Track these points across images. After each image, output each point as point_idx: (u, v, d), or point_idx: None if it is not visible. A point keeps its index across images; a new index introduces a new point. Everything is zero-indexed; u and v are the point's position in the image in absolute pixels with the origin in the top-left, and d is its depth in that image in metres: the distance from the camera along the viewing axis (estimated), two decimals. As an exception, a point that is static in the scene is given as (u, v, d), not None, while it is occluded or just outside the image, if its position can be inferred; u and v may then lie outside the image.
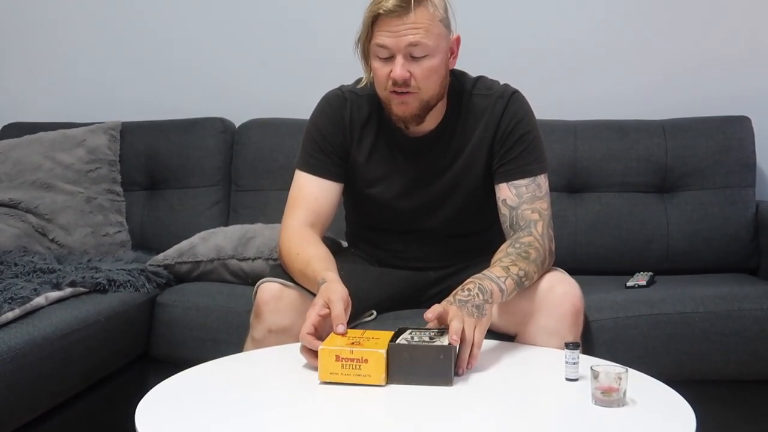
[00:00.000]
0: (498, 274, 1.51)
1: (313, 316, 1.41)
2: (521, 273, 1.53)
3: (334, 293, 1.45)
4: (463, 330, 1.36)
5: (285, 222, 1.73)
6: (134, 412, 1.22)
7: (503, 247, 1.62)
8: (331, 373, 1.32)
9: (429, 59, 1.61)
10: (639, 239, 2.36)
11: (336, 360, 1.32)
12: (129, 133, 2.61)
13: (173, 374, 1.40)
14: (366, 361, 1.31)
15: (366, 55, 1.66)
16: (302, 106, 2.34)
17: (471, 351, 1.37)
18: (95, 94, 2.81)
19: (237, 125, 2.64)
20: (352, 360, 1.31)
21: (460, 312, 1.40)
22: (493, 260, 1.58)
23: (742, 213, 2.34)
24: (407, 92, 1.62)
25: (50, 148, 2.49)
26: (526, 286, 1.56)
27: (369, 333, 1.41)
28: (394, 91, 1.62)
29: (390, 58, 1.60)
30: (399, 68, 1.59)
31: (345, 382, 1.31)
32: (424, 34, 1.58)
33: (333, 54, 2.65)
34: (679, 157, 2.38)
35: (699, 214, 2.35)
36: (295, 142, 2.44)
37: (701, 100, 2.54)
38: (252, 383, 1.39)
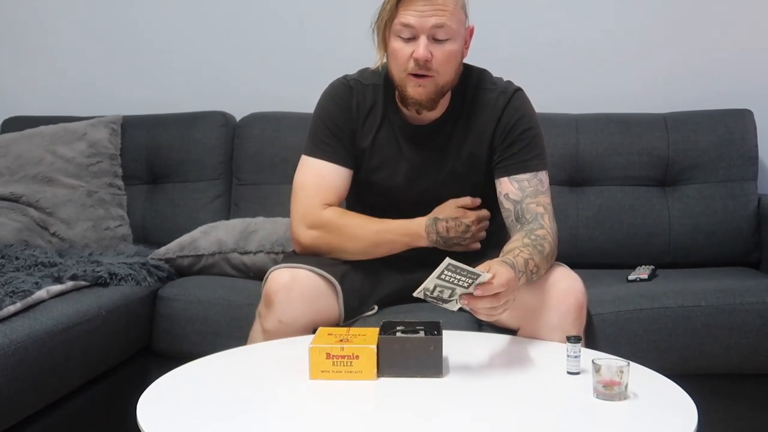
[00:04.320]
0: (521, 268, 1.49)
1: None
2: (534, 269, 1.54)
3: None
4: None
5: (310, 203, 1.72)
6: (136, 406, 1.22)
7: (518, 236, 1.61)
8: (322, 371, 1.32)
9: (450, 43, 1.62)
10: (640, 233, 2.35)
11: (327, 357, 1.32)
12: (130, 126, 2.61)
13: (175, 368, 1.41)
14: (357, 357, 1.31)
15: (384, 36, 1.66)
16: (303, 100, 2.34)
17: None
18: (96, 87, 2.81)
19: (238, 119, 2.64)
20: (343, 357, 1.32)
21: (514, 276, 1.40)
22: (509, 248, 1.57)
23: (744, 206, 2.34)
24: (425, 75, 1.62)
25: (51, 142, 2.49)
26: (533, 281, 1.56)
27: (354, 330, 1.41)
28: (412, 74, 1.62)
29: (412, 39, 1.61)
30: (422, 48, 1.59)
31: (336, 379, 1.32)
32: (449, 18, 1.60)
33: (333, 48, 2.67)
34: (681, 151, 2.38)
35: (701, 207, 2.35)
36: (296, 135, 2.45)
37: (703, 94, 2.54)
38: (252, 377, 1.39)
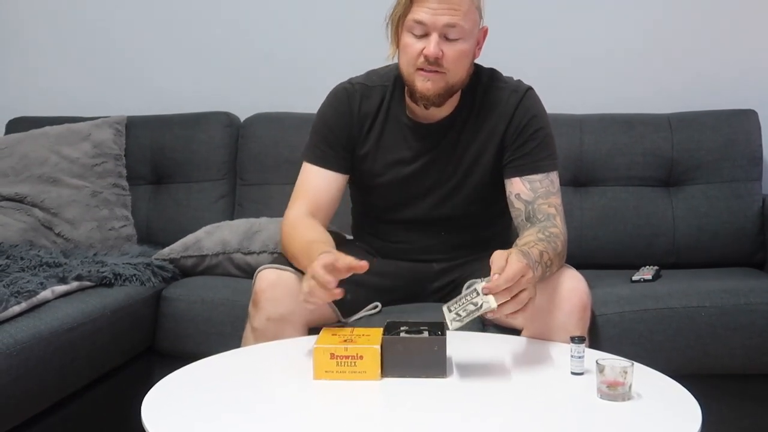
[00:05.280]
0: (536, 259, 1.47)
1: (323, 262, 1.38)
2: (548, 262, 1.53)
3: (338, 255, 1.42)
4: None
5: (287, 212, 1.74)
6: (140, 406, 1.22)
7: (531, 231, 1.59)
8: (326, 371, 1.32)
9: (462, 43, 1.62)
10: (645, 233, 2.35)
11: (331, 358, 1.32)
12: (134, 127, 2.61)
13: (179, 368, 1.41)
14: (361, 357, 1.32)
15: (397, 31, 1.66)
16: (307, 101, 2.34)
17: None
18: (100, 88, 2.82)
19: (242, 119, 2.64)
20: (347, 357, 1.32)
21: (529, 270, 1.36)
22: (523, 242, 1.55)
23: (748, 207, 2.34)
24: (435, 71, 1.62)
25: (56, 143, 2.50)
26: (545, 278, 1.54)
27: (358, 330, 1.41)
28: (422, 69, 1.63)
29: (424, 36, 1.61)
30: (433, 46, 1.59)
31: (340, 379, 1.32)
32: (462, 17, 1.60)
33: (338, 49, 2.67)
34: (685, 151, 2.37)
35: (705, 208, 2.35)
36: (300, 136, 2.44)
37: (707, 94, 2.54)
38: (256, 377, 1.39)
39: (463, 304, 1.35)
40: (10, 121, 2.71)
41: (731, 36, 2.56)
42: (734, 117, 2.41)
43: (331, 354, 1.32)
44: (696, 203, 2.35)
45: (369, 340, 1.35)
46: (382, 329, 1.40)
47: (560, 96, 2.47)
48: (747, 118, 2.40)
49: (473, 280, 1.37)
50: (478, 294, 1.33)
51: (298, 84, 2.69)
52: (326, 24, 2.70)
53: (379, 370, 1.33)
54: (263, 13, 2.74)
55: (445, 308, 1.37)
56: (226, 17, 2.76)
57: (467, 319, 1.33)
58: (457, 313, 1.35)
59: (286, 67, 2.73)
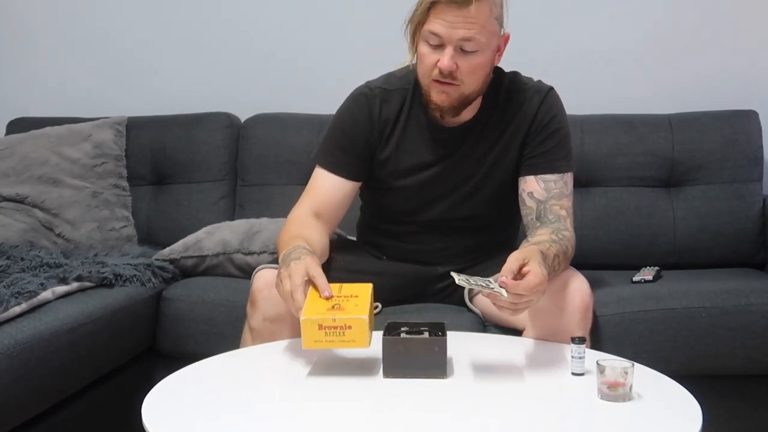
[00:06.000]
0: (550, 262, 1.49)
1: (299, 298, 1.41)
2: (557, 266, 1.53)
3: (312, 268, 1.44)
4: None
5: (292, 211, 1.74)
6: (140, 407, 1.22)
7: (544, 231, 1.59)
8: (315, 341, 1.33)
9: (478, 55, 1.60)
10: (645, 234, 2.35)
11: (319, 328, 1.32)
12: (135, 127, 2.61)
13: (179, 368, 1.41)
14: (349, 327, 1.32)
15: (414, 37, 1.64)
16: (307, 101, 2.36)
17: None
18: (101, 89, 2.82)
19: (242, 120, 2.64)
20: (335, 327, 1.32)
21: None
22: (538, 240, 1.55)
23: (749, 207, 2.34)
24: (450, 83, 1.61)
25: (57, 143, 2.50)
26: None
27: (346, 289, 1.42)
28: (437, 80, 1.62)
29: (439, 47, 1.59)
30: (447, 60, 1.58)
31: (330, 348, 1.32)
32: (479, 30, 1.57)
33: (337, 49, 2.67)
34: (686, 152, 2.37)
35: (706, 208, 2.34)
36: (300, 136, 2.46)
37: (708, 95, 2.53)
38: (256, 377, 1.39)
39: (476, 279, 1.37)
40: (10, 122, 2.71)
41: (731, 36, 2.56)
42: (735, 117, 2.41)
43: (319, 325, 1.32)
44: (697, 204, 2.35)
45: (356, 306, 1.35)
46: (370, 289, 1.41)
47: (561, 96, 2.47)
48: (748, 118, 2.40)
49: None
50: (493, 282, 1.35)
51: (298, 84, 2.69)
52: (326, 24, 2.70)
53: (368, 338, 1.33)
54: (263, 13, 2.74)
55: (454, 273, 1.39)
56: (226, 17, 2.76)
57: (473, 287, 1.36)
58: (467, 279, 1.37)
59: (286, 67, 2.73)
